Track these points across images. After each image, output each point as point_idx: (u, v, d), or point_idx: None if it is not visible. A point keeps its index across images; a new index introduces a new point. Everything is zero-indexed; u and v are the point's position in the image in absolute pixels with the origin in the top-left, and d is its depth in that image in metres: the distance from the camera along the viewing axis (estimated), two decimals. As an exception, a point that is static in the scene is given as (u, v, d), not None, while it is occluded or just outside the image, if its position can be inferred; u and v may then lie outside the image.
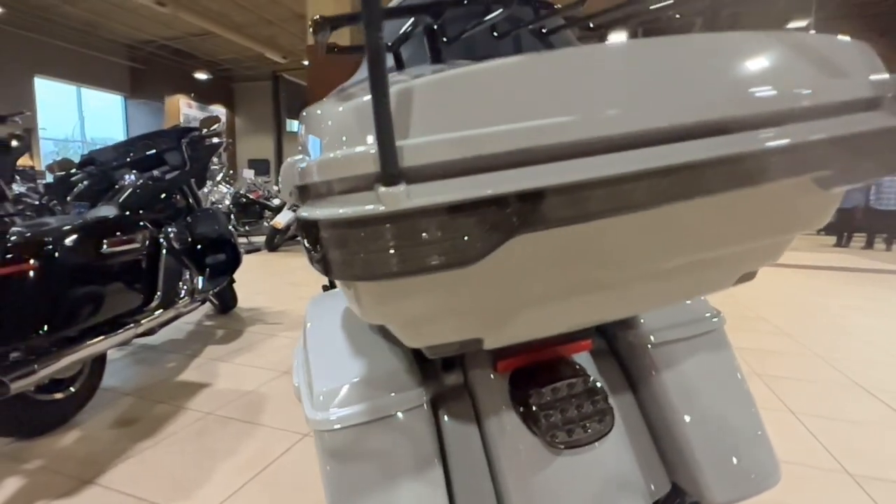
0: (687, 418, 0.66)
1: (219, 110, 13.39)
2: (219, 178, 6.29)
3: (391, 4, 0.75)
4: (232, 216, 6.55)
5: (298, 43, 10.31)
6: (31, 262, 1.33)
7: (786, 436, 1.58)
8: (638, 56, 0.37)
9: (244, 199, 6.91)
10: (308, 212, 0.34)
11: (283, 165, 0.40)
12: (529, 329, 0.48)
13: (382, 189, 0.30)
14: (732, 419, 0.67)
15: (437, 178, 0.32)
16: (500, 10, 0.41)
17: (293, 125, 13.74)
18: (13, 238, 1.35)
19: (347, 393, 0.58)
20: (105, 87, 11.55)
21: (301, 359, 0.74)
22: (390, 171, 0.30)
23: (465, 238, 0.33)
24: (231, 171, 8.84)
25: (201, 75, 12.47)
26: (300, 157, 0.40)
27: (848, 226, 7.10)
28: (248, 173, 8.72)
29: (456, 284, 0.38)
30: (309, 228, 0.35)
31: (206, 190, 3.07)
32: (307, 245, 0.37)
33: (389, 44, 0.54)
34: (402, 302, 0.39)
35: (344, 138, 0.33)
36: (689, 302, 0.77)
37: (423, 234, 0.32)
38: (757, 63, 0.38)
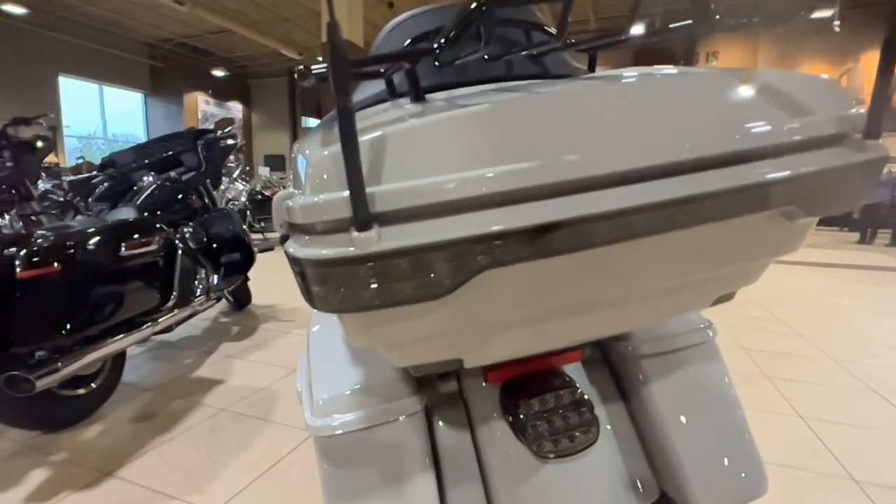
0: (674, 429, 0.67)
1: (235, 107, 13.58)
2: (235, 174, 6.41)
3: (388, 30, 0.77)
4: (248, 213, 6.66)
5: (313, 39, 10.38)
6: (55, 265, 1.40)
7: (791, 440, 1.58)
8: (599, 99, 0.38)
9: (260, 196, 7.02)
10: (293, 249, 0.37)
11: (275, 199, 0.43)
12: (506, 351, 0.50)
13: (355, 234, 0.33)
14: (720, 430, 0.68)
15: (408, 220, 0.35)
16: (481, 48, 0.42)
17: (308, 122, 13.86)
18: (39, 241, 1.42)
19: (346, 400, 0.61)
20: (126, 85, 11.81)
21: (304, 364, 0.78)
22: (362, 217, 0.33)
23: (435, 275, 0.35)
24: (248, 168, 8.97)
25: (218, 72, 12.66)
26: (289, 191, 0.43)
27: (872, 222, 6.90)
28: (264, 170, 8.85)
29: (431, 313, 0.40)
30: (295, 264, 0.38)
31: (222, 187, 3.16)
32: (295, 277, 0.40)
33: (383, 69, 0.57)
34: (382, 329, 0.41)
35: (323, 184, 0.36)
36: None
37: (395, 272, 0.35)
38: (722, 103, 0.40)
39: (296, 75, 0.35)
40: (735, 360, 2.28)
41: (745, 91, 0.41)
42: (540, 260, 0.37)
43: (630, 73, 0.42)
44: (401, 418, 0.60)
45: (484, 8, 0.39)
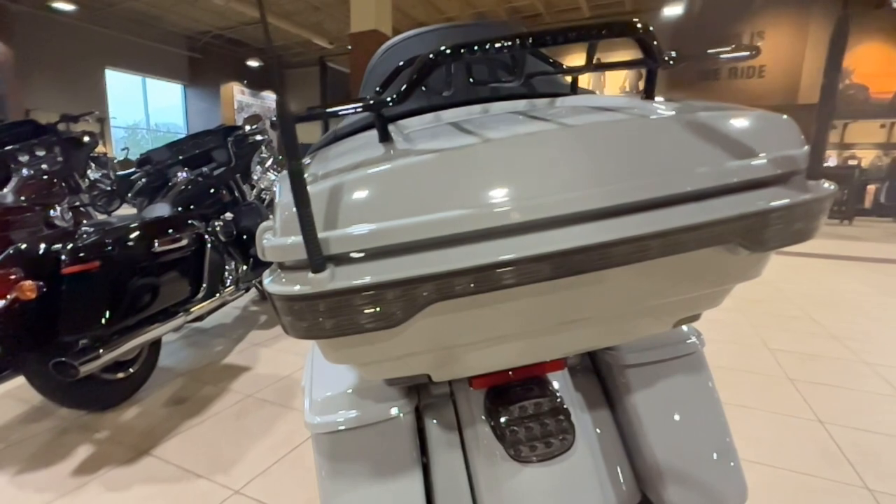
0: (655, 437, 0.69)
1: (269, 97, 13.88)
2: (267, 165, 6.60)
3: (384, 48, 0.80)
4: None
5: (344, 28, 10.45)
6: (95, 262, 1.52)
7: (806, 445, 1.55)
8: (541, 147, 0.41)
9: (291, 186, 7.18)
10: (266, 282, 0.42)
11: (258, 230, 0.48)
12: (467, 369, 0.54)
13: (310, 275, 0.37)
14: (701, 440, 0.70)
15: (360, 261, 0.39)
16: (452, 93, 0.45)
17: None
18: (81, 239, 1.54)
19: (342, 400, 0.66)
20: (167, 77, 12.27)
21: (310, 362, 0.84)
22: (315, 260, 0.37)
23: (387, 308, 0.39)
24: (280, 158, 9.21)
25: (253, 63, 12.94)
26: (269, 224, 0.47)
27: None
28: (296, 160, 9.02)
29: (390, 339, 0.44)
30: (268, 295, 0.42)
31: (255, 177, 3.29)
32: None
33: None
34: (349, 350, 0.46)
35: (288, 227, 0.40)
36: None
37: (350, 306, 0.39)
38: (669, 145, 0.41)
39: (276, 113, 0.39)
40: (758, 361, 2.23)
41: (694, 132, 0.42)
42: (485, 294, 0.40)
43: (581, 117, 0.44)
44: (392, 419, 0.64)
45: (440, 59, 0.41)
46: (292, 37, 11.36)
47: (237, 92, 13.01)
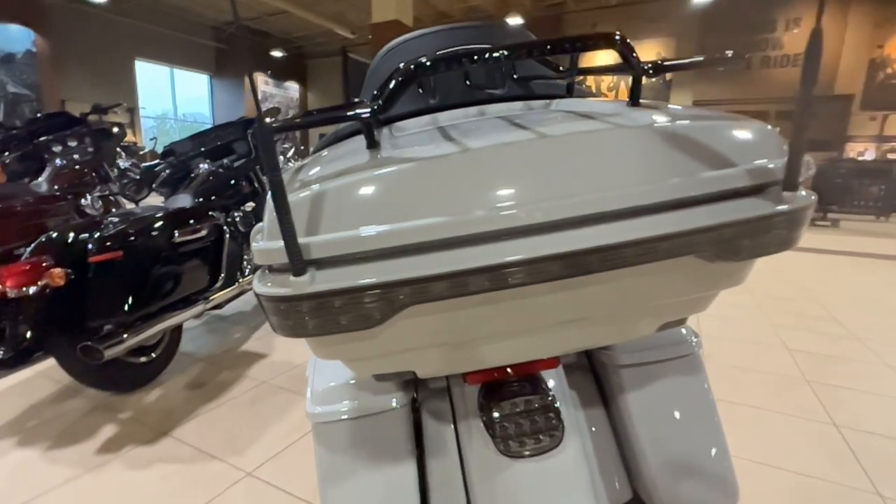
0: (646, 436, 0.70)
1: (292, 87, 14.02)
2: (290, 155, 6.70)
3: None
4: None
5: (366, 18, 10.44)
6: (119, 251, 1.59)
7: (818, 448, 1.52)
8: (516, 157, 0.42)
9: (313, 176, 7.26)
10: (255, 282, 0.45)
11: (252, 231, 0.50)
12: (450, 367, 0.55)
13: (291, 278, 0.40)
14: (693, 441, 0.70)
15: (339, 265, 0.41)
16: (432, 99, 0.47)
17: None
18: (106, 229, 1.61)
19: (342, 391, 0.69)
20: (194, 68, 12.52)
21: (313, 355, 0.87)
22: (296, 265, 0.39)
23: (365, 310, 0.41)
24: (302, 147, 9.34)
25: (277, 53, 13.08)
26: (261, 226, 0.50)
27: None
28: (318, 149, 9.11)
29: (371, 338, 0.46)
30: (256, 295, 0.45)
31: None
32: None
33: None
34: (335, 348, 0.48)
35: (274, 232, 0.42)
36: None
37: (330, 308, 0.41)
38: (643, 156, 0.42)
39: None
40: (775, 362, 2.19)
41: (669, 142, 0.42)
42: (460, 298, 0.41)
43: (560, 126, 0.45)
44: (390, 410, 0.67)
45: (418, 72, 0.43)
46: (314, 27, 11.43)
47: (261, 82, 13.18)
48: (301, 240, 0.40)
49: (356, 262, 0.41)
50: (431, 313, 0.44)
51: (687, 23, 10.15)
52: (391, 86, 0.44)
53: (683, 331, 0.79)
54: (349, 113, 0.44)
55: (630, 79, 0.48)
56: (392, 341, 0.47)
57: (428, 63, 0.42)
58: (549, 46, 0.42)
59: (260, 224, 0.52)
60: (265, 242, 0.43)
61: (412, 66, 0.43)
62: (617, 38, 0.43)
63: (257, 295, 0.43)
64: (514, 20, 10.63)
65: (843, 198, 7.07)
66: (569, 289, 0.44)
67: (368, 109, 0.44)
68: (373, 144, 0.49)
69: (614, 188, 0.40)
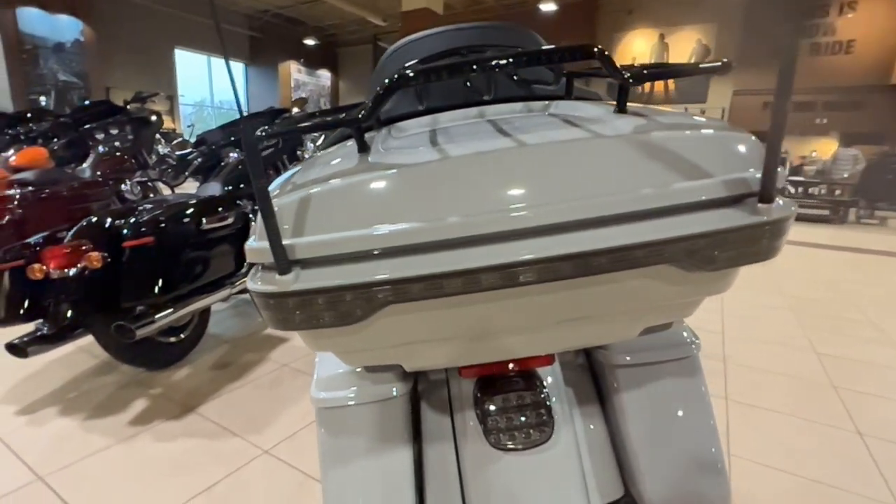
0: (640, 436, 0.70)
1: (325, 75, 14.18)
2: (319, 143, 6.82)
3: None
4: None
5: (397, 6, 10.44)
6: (152, 237, 1.68)
7: (839, 457, 1.47)
8: (495, 164, 0.43)
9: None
10: (248, 279, 0.48)
11: (250, 232, 0.54)
12: (434, 362, 0.58)
13: (277, 277, 0.43)
14: (686, 442, 0.71)
15: (322, 265, 0.43)
16: (421, 105, 0.48)
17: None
18: (139, 216, 1.71)
19: (345, 379, 0.73)
20: (230, 56, 12.81)
21: None
22: (281, 264, 0.42)
23: (346, 307, 0.44)
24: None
25: (309, 41, 13.23)
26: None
27: None
28: (347, 138, 9.24)
29: (355, 333, 0.49)
30: (248, 291, 0.48)
31: (306, 155, 3.44)
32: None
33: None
34: (324, 341, 0.51)
35: (263, 234, 0.45)
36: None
37: (314, 305, 0.44)
38: (620, 166, 0.42)
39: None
40: (801, 365, 2.12)
41: (648, 152, 0.42)
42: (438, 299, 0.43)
43: (543, 133, 0.46)
44: (390, 398, 0.70)
45: (401, 82, 0.45)
46: (347, 15, 11.49)
47: (294, 70, 13.40)
48: (286, 241, 0.43)
49: (338, 262, 0.43)
50: (410, 312, 0.46)
51: (731, 6, 9.69)
52: (377, 93, 0.46)
53: (683, 333, 0.79)
54: (335, 119, 0.47)
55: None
56: (376, 336, 0.50)
57: (411, 74, 0.44)
58: (531, 58, 0.43)
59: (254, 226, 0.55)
60: (255, 242, 0.46)
61: (396, 77, 0.45)
62: (596, 50, 0.44)
63: (248, 291, 0.47)
64: (547, 6, 10.39)
65: (893, 195, 6.67)
66: (540, 293, 0.45)
67: (359, 115, 0.46)
68: (363, 148, 0.52)
69: (587, 197, 0.41)
